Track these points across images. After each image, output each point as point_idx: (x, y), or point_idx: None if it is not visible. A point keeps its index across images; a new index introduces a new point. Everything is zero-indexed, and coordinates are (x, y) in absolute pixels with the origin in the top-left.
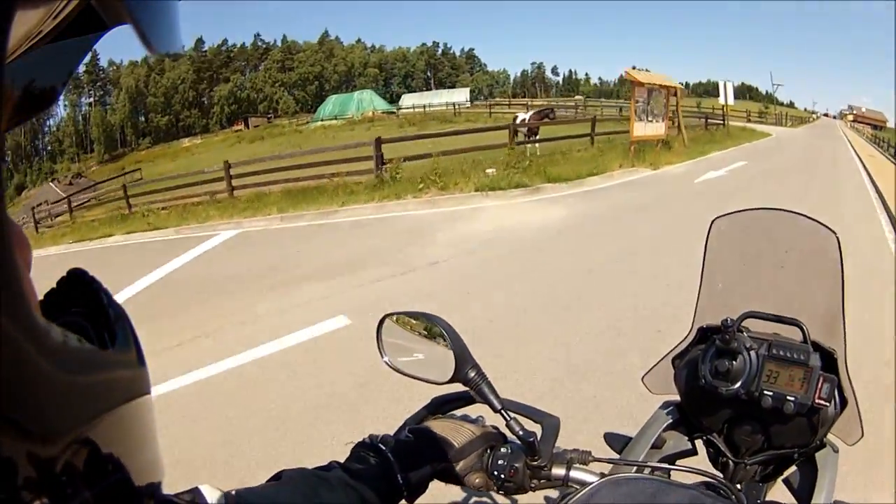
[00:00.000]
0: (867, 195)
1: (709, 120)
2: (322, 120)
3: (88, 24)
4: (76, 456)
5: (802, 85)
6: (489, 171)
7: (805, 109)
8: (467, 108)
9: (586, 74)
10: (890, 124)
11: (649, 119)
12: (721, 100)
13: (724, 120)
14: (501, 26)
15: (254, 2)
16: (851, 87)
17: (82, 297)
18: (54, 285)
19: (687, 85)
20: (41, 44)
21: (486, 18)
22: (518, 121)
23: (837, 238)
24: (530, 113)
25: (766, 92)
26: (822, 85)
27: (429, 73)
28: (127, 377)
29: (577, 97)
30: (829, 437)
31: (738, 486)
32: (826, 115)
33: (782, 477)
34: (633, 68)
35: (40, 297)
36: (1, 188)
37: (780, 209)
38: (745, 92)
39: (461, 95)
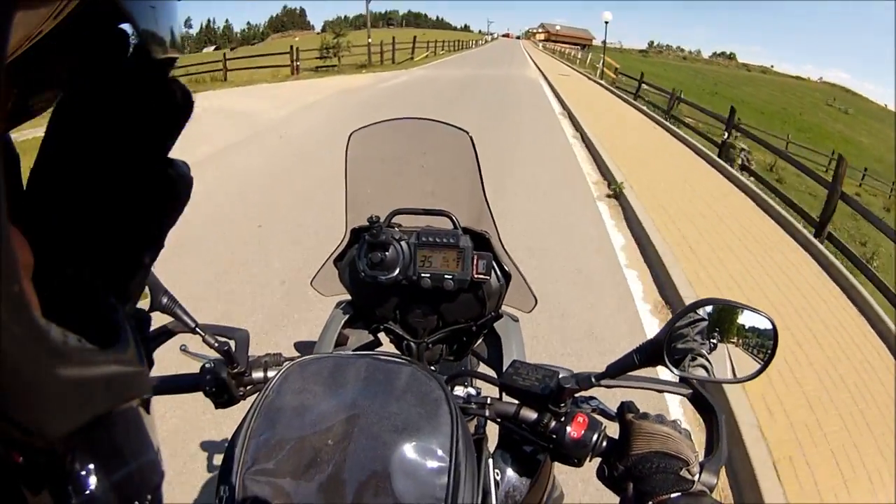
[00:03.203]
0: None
1: None
2: None
3: (89, 24)
4: (76, 455)
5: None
6: None
7: (479, 31)
8: None
9: (227, 21)
10: (598, 42)
11: None
12: None
13: None
14: None
15: None
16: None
17: (82, 296)
18: (56, 284)
19: None
20: (41, 44)
21: None
22: None
23: (470, 136)
24: None
25: (437, 17)
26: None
27: None
28: (127, 377)
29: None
30: (507, 308)
31: (432, 367)
32: (507, 35)
33: (472, 349)
34: None
35: (40, 297)
36: (0, 188)
37: (414, 118)
38: (411, 20)
39: None
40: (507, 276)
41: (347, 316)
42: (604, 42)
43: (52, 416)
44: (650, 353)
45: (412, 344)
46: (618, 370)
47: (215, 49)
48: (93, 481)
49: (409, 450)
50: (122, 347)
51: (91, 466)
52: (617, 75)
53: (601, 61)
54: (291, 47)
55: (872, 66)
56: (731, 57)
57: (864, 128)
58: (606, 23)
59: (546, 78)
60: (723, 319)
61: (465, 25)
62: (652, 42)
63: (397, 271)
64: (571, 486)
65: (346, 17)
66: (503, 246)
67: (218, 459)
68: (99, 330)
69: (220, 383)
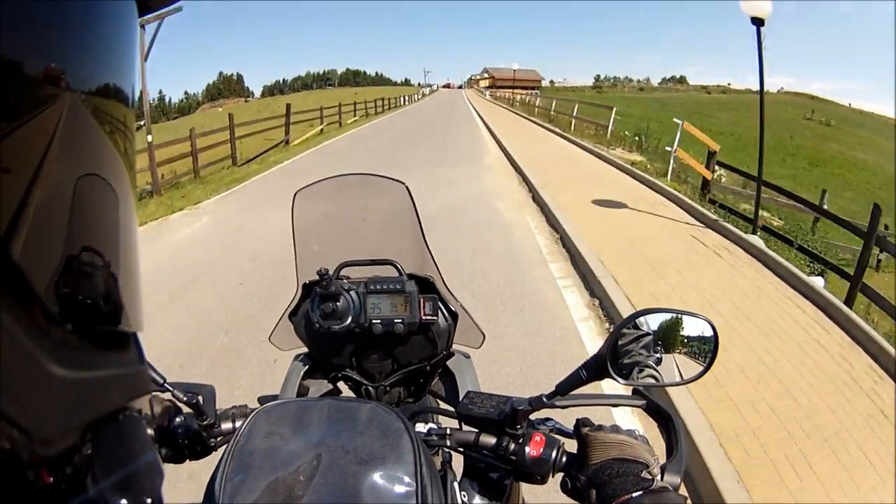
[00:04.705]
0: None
1: None
2: None
3: None
4: (77, 455)
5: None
6: None
7: (418, 84)
8: None
9: (160, 93)
10: (579, 83)
11: None
12: None
13: None
14: None
15: None
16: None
17: (84, 296)
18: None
19: None
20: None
21: None
22: None
23: (406, 186)
24: None
25: (376, 73)
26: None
27: None
28: (127, 377)
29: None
30: (458, 346)
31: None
32: (448, 85)
33: (429, 388)
34: None
35: (41, 296)
36: (0, 190)
37: (353, 173)
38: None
39: None
40: (453, 316)
41: (306, 367)
42: (760, 71)
43: (53, 415)
44: (596, 368)
45: (370, 388)
46: (567, 387)
47: (138, 128)
48: (92, 482)
49: (376, 479)
50: (123, 348)
51: (92, 466)
52: (714, 173)
53: (675, 141)
54: None
55: (811, 67)
56: (682, 80)
57: (853, 140)
58: (758, 22)
59: (564, 241)
60: (667, 335)
61: (406, 79)
62: (598, 76)
63: (349, 320)
64: None
65: (284, 80)
66: (447, 287)
67: None
68: (99, 330)
69: (192, 435)
